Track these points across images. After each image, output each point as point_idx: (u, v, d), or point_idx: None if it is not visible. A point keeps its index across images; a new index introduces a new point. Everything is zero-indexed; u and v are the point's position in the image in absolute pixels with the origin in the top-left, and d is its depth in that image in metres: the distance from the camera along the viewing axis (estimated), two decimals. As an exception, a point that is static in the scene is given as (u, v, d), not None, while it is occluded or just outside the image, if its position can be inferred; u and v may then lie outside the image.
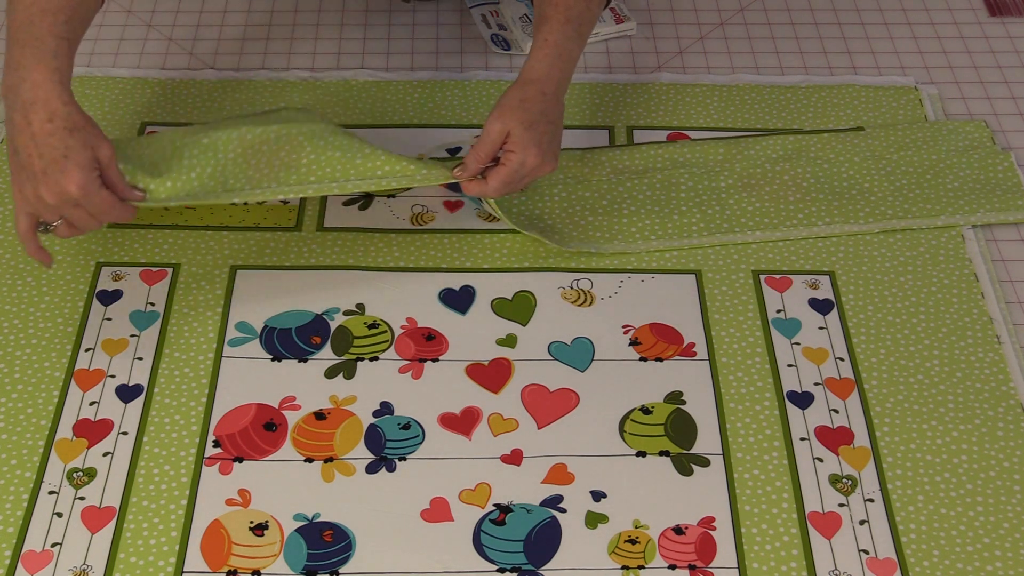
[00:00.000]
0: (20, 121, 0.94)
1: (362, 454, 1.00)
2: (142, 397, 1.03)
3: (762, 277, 1.14)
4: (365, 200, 1.20)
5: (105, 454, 0.99)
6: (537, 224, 1.17)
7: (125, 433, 1.00)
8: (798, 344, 1.09)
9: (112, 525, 0.94)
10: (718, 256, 1.16)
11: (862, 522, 0.96)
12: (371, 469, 0.99)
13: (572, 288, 1.13)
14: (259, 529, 0.95)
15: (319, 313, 1.10)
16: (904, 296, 1.13)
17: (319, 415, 1.02)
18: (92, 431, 1.00)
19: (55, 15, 0.97)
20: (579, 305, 1.12)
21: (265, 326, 1.09)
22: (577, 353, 1.08)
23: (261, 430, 1.01)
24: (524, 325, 1.10)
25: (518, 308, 1.12)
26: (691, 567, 0.93)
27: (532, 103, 1.06)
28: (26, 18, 0.97)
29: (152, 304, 1.10)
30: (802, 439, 1.02)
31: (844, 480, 0.99)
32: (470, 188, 1.08)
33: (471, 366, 1.07)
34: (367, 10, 1.45)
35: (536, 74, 1.08)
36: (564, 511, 0.97)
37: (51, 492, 0.96)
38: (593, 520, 0.96)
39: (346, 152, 1.06)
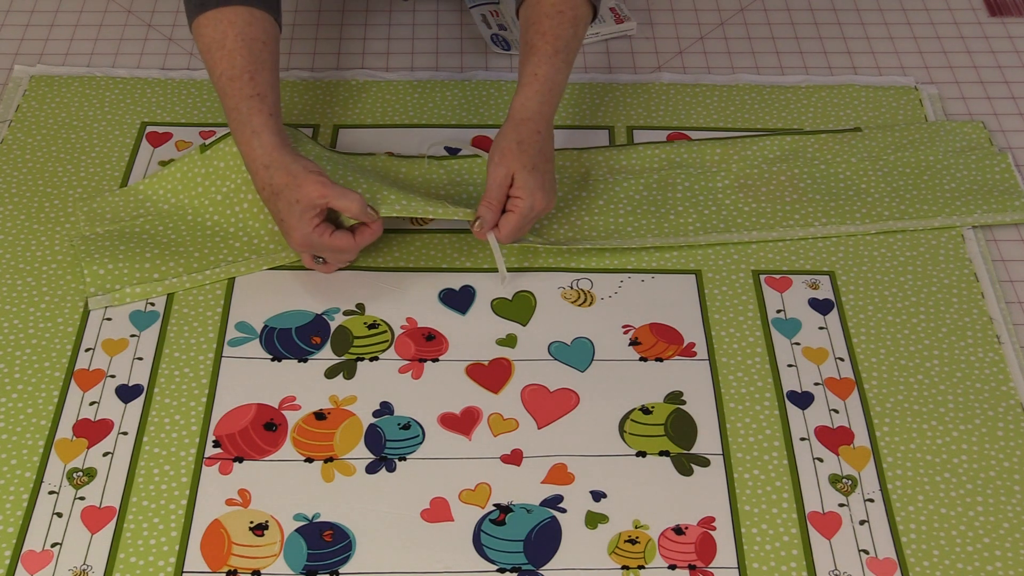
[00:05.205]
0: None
1: (362, 454, 1.00)
2: (142, 397, 1.03)
3: (762, 277, 1.14)
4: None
5: (105, 454, 0.99)
6: (534, 228, 1.17)
7: (125, 433, 1.00)
8: (798, 344, 1.09)
9: (112, 525, 0.94)
10: (718, 256, 1.16)
11: (862, 522, 0.96)
12: (371, 469, 0.99)
13: (572, 288, 1.13)
14: (259, 529, 0.95)
15: (319, 313, 1.10)
16: (904, 296, 1.13)
17: (319, 415, 1.02)
18: (92, 431, 1.00)
19: (239, 79, 1.05)
20: (579, 305, 1.12)
21: (265, 326, 1.09)
22: (577, 353, 1.08)
23: (261, 430, 1.01)
24: (524, 325, 1.10)
25: (518, 308, 1.12)
26: (691, 567, 0.93)
27: (529, 144, 1.07)
28: (220, 89, 1.06)
29: (152, 304, 1.10)
30: (802, 439, 1.02)
31: (844, 480, 0.99)
32: (483, 235, 1.09)
33: (471, 366, 1.07)
34: (367, 10, 1.45)
35: (529, 112, 1.09)
36: (564, 511, 0.97)
37: (51, 492, 0.96)
38: (593, 520, 0.96)
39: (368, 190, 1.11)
